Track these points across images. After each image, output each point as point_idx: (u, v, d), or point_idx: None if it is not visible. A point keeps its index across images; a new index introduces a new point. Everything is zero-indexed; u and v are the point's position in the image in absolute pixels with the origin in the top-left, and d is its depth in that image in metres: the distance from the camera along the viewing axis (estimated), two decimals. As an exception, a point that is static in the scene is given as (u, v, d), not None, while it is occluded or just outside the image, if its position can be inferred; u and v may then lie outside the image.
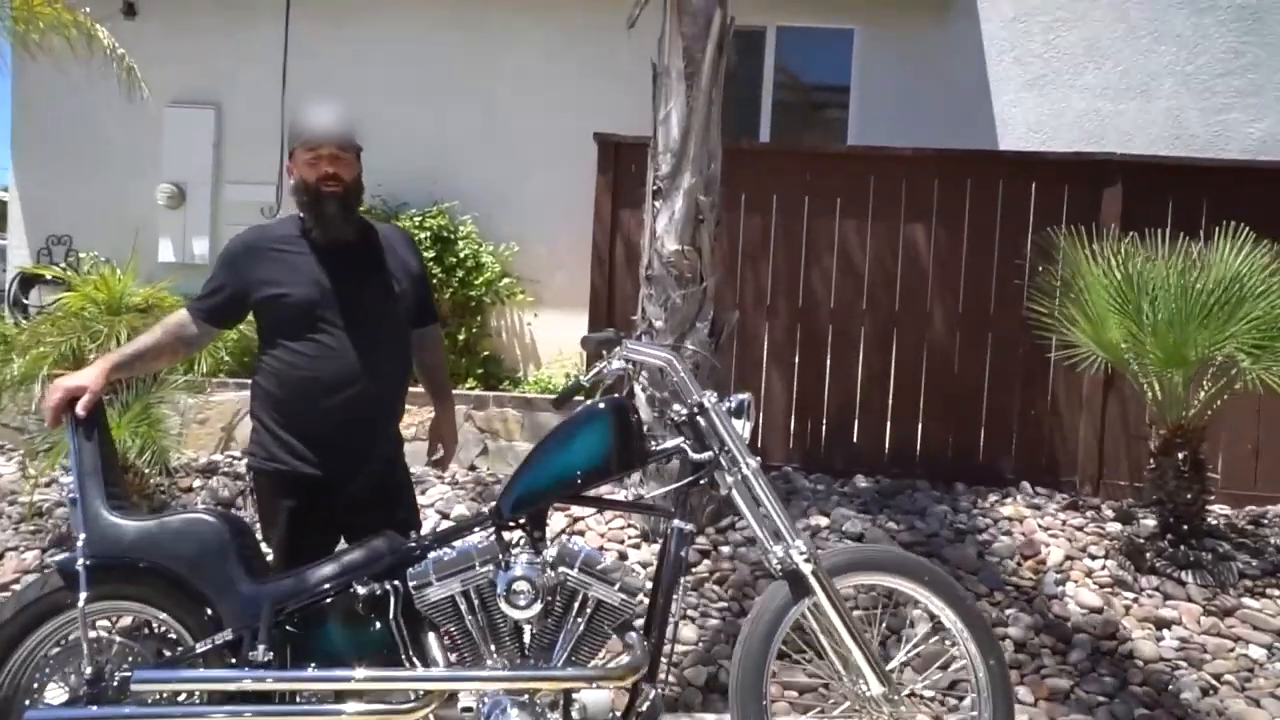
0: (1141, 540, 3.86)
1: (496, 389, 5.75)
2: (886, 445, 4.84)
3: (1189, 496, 3.80)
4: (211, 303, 2.40)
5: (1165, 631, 3.40)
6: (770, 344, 4.89)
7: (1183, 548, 3.75)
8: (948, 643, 2.38)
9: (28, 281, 6.28)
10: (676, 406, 2.33)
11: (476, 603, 2.10)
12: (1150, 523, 3.98)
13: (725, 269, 4.26)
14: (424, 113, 6.14)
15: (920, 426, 4.83)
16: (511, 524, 2.21)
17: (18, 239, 6.58)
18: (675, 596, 2.17)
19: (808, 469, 4.75)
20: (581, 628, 2.11)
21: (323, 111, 2.34)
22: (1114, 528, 4.09)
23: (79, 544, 2.05)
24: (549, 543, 2.21)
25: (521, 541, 2.20)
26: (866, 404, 4.87)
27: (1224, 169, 4.78)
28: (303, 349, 2.33)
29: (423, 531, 2.71)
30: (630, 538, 3.83)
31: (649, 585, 2.23)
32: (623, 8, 5.56)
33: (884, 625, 2.88)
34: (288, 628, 2.08)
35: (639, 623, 2.17)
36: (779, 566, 2.25)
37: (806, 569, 2.18)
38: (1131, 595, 3.60)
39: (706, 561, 3.70)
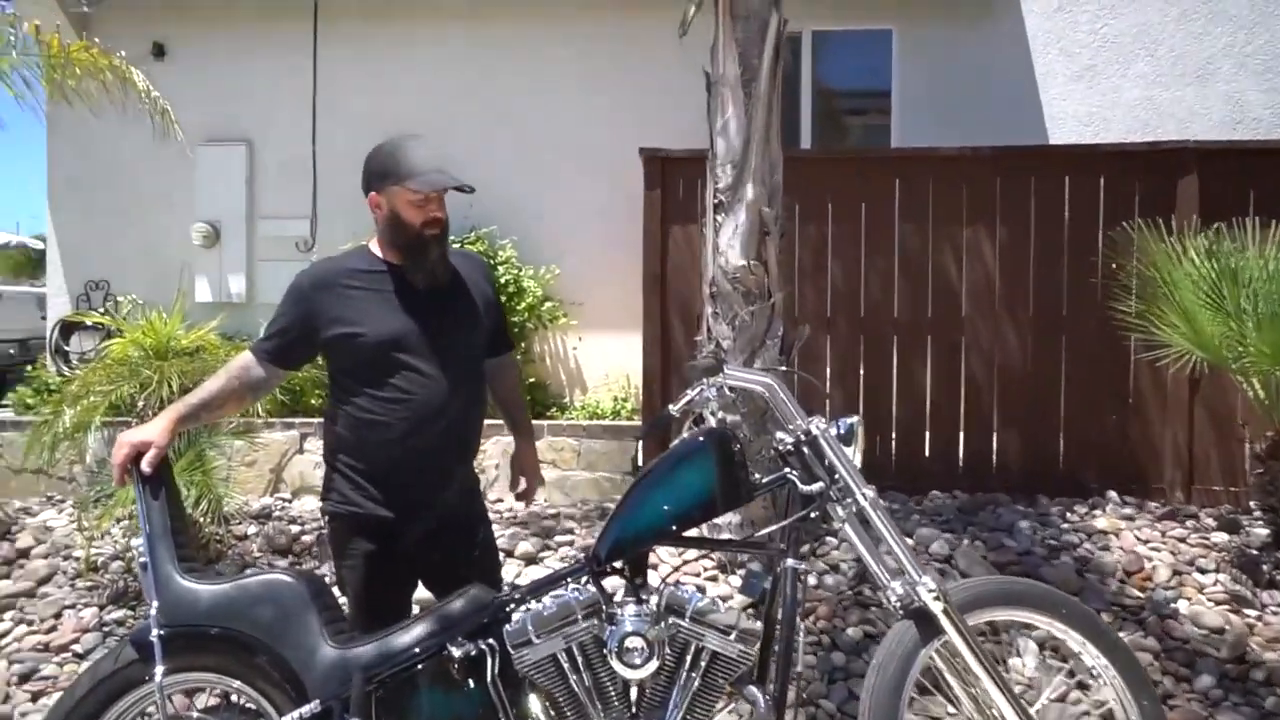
0: (1254, 551, 3.62)
1: (544, 416, 5.60)
2: (960, 459, 4.62)
3: (1303, 502, 3.56)
4: (278, 343, 2.26)
5: (1297, 651, 3.15)
6: (832, 358, 4.70)
7: (1300, 557, 3.51)
8: (1093, 681, 2.16)
9: (68, 328, 6.23)
10: (780, 435, 2.16)
11: (580, 660, 1.93)
12: (1261, 531, 3.74)
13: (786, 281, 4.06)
14: (457, 137, 6.02)
15: (995, 437, 4.60)
16: (609, 570, 2.05)
17: (56, 285, 6.55)
18: (795, 644, 1.99)
19: (878, 487, 4.52)
20: (696, 683, 1.93)
21: (435, 154, 2.19)
22: (1220, 538, 3.84)
23: (152, 612, 1.90)
24: (652, 589, 2.04)
25: (623, 589, 2.04)
26: (936, 416, 4.66)
27: (1307, 150, 4.52)
28: (379, 393, 2.19)
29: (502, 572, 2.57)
30: (707, 569, 3.64)
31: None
32: (657, 20, 5.45)
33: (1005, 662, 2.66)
34: (377, 695, 1.92)
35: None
36: (899, 604, 2.06)
37: (937, 607, 1.99)
38: (1254, 613, 3.36)
39: (790, 592, 3.49)
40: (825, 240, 4.70)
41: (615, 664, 1.87)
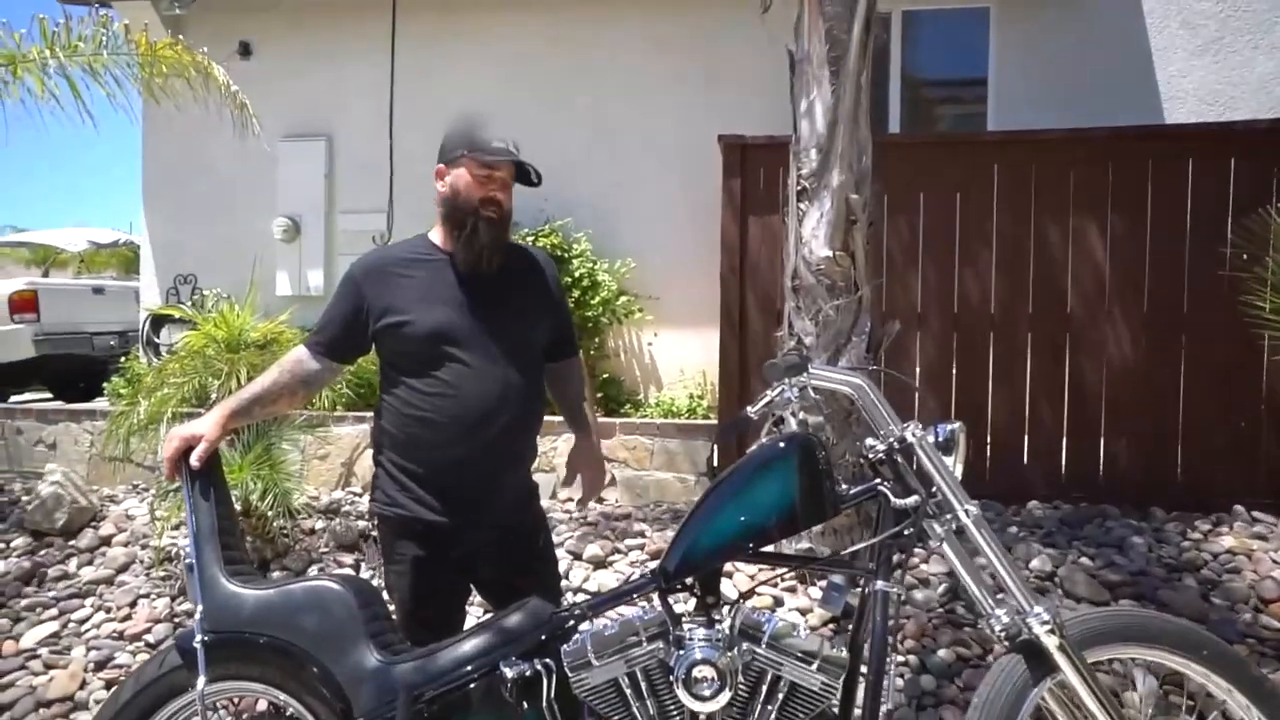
0: None
1: (617, 414, 5.46)
2: (1063, 467, 4.26)
3: None
4: (329, 335, 2.16)
5: None
6: (922, 357, 4.40)
7: None
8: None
9: (158, 321, 6.40)
10: (871, 442, 1.94)
11: (644, 686, 1.75)
12: None
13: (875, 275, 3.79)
14: (534, 129, 5.84)
15: (1102, 444, 4.22)
16: (679, 587, 1.86)
17: (149, 280, 6.75)
18: (886, 674, 1.76)
19: (973, 496, 4.21)
20: (771, 717, 1.73)
21: (504, 133, 2.11)
22: (1370, 562, 3.41)
23: (197, 617, 1.81)
24: (725, 606, 1.85)
25: (692, 609, 1.86)
26: (1036, 420, 4.30)
27: None
28: (424, 386, 2.07)
29: (563, 580, 2.42)
30: (785, 579, 3.41)
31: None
32: (734, 6, 5.24)
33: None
34: (424, 715, 1.78)
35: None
36: (1003, 634, 1.83)
37: (1051, 642, 1.74)
38: None
39: (875, 608, 3.25)
40: (916, 231, 4.40)
41: (682, 695, 1.68)
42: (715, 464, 4.56)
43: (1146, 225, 4.21)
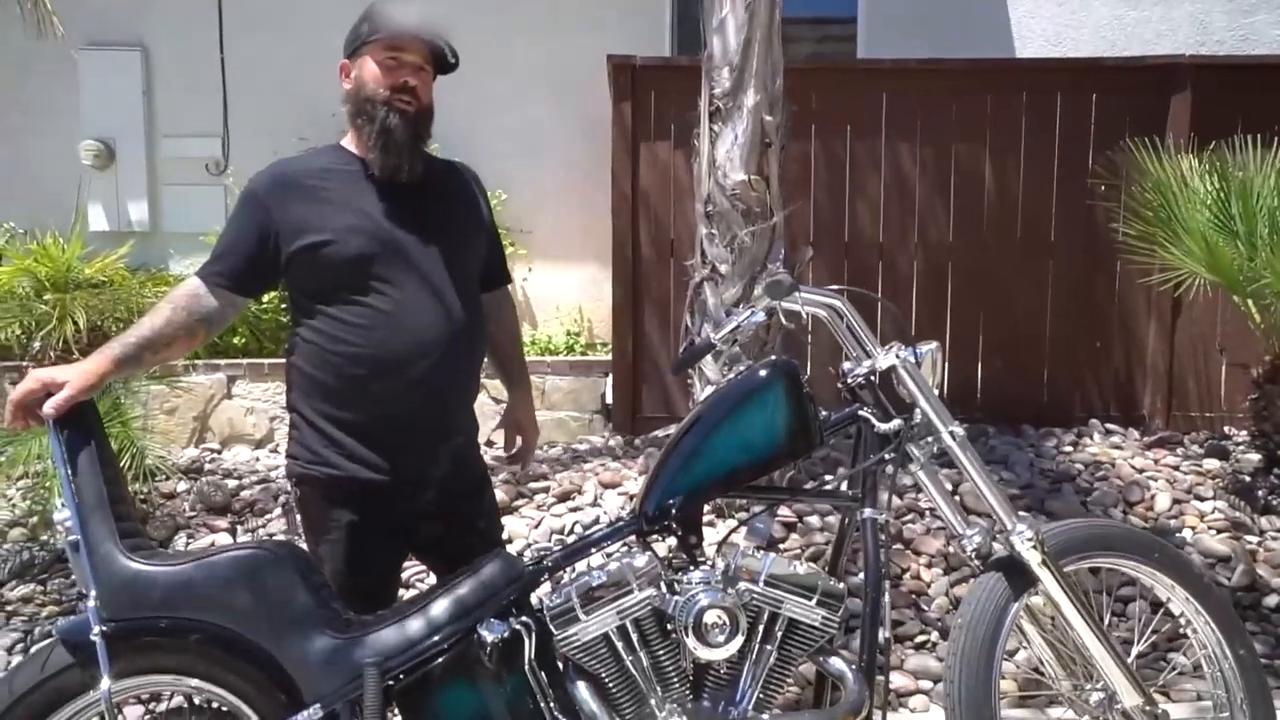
0: (1247, 477, 3.57)
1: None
2: (945, 388, 4.43)
3: (1300, 427, 3.50)
4: (230, 264, 1.81)
5: (1305, 577, 3.10)
6: (815, 284, 4.41)
7: (1296, 482, 3.47)
8: (1182, 631, 1.99)
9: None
10: (848, 365, 1.87)
11: (636, 637, 1.61)
12: (1253, 457, 3.69)
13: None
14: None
15: (980, 367, 4.44)
16: (658, 529, 1.73)
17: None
18: (882, 605, 1.71)
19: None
20: (772, 657, 1.64)
21: (417, 9, 1.80)
22: (1211, 464, 3.79)
23: (90, 604, 1.48)
24: (710, 550, 1.74)
25: (675, 551, 1.73)
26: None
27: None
28: (354, 317, 1.79)
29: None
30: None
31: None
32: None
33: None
34: (391, 692, 1.56)
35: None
36: (974, 554, 1.84)
37: (1034, 558, 1.76)
38: (1254, 539, 3.30)
39: (795, 535, 3.27)
40: (808, 158, 4.37)
41: (693, 643, 1.56)
42: (610, 400, 4.39)
43: (1020, 155, 4.38)
